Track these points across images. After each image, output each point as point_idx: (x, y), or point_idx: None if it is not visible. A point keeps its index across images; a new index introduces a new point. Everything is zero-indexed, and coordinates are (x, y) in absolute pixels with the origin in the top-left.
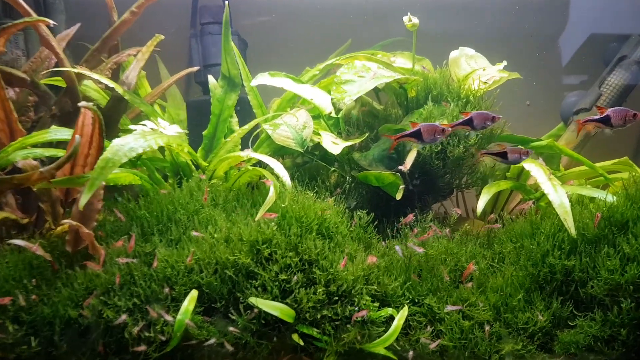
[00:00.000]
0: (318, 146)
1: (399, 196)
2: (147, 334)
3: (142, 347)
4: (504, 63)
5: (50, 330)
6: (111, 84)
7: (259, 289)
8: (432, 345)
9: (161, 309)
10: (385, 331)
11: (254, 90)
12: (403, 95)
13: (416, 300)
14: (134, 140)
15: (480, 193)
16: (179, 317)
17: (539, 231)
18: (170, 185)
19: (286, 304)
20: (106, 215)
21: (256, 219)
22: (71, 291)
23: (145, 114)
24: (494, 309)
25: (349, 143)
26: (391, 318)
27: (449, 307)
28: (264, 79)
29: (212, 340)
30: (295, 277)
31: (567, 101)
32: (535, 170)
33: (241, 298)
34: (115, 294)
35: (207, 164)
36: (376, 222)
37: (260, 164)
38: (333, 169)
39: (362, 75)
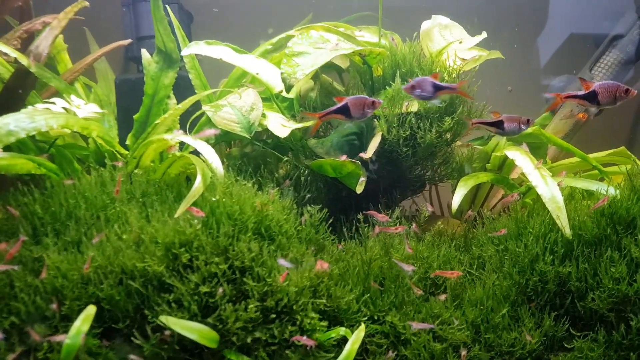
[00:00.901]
0: (271, 134)
1: (359, 189)
2: None
3: None
4: (484, 34)
5: None
6: (14, 53)
7: (173, 304)
8: None
9: (46, 330)
10: (335, 357)
11: (197, 67)
12: (368, 74)
13: (376, 317)
14: (16, 122)
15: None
16: (67, 340)
17: (527, 231)
18: (79, 175)
19: (207, 324)
20: None
21: (176, 215)
22: None
23: (60, 91)
24: (473, 327)
25: (299, 125)
26: (344, 340)
27: (416, 326)
28: (198, 48)
29: None
30: (222, 289)
31: (554, 87)
32: (521, 158)
33: (150, 316)
34: None
35: (125, 152)
36: (331, 220)
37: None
38: (286, 158)
39: (319, 47)
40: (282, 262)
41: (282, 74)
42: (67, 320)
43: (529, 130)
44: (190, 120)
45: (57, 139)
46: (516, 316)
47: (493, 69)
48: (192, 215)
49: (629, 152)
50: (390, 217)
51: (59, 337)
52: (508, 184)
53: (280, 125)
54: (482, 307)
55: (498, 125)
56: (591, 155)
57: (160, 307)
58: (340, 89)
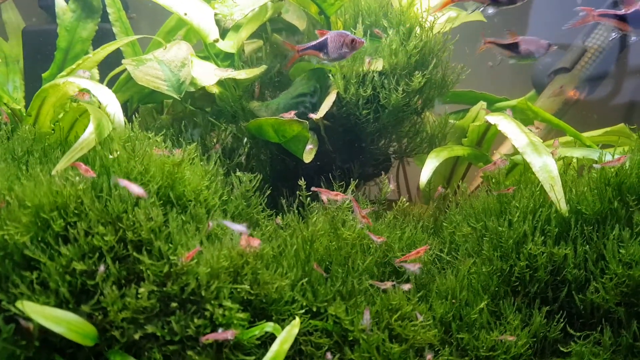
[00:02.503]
0: (207, 97)
1: (307, 158)
2: None
3: None
4: None
5: None
6: None
7: (37, 286)
8: None
9: None
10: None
11: (123, 20)
12: (324, 26)
13: (316, 310)
14: None
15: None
16: None
17: (511, 206)
18: None
19: (81, 314)
20: None
21: (54, 171)
22: None
23: None
24: (442, 324)
25: (231, 74)
26: (272, 338)
27: (367, 319)
28: None
29: None
30: (103, 267)
31: (541, 62)
32: (505, 123)
33: (4, 301)
34: None
35: (18, 106)
36: (269, 193)
37: None
38: (224, 126)
39: None
40: (235, 226)
41: (215, 15)
42: None
43: (514, 102)
44: (107, 78)
45: None
46: (497, 312)
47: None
48: (78, 173)
49: (629, 130)
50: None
51: None
52: (487, 162)
53: (207, 73)
54: (454, 300)
55: (513, 48)
56: (585, 134)
57: (19, 289)
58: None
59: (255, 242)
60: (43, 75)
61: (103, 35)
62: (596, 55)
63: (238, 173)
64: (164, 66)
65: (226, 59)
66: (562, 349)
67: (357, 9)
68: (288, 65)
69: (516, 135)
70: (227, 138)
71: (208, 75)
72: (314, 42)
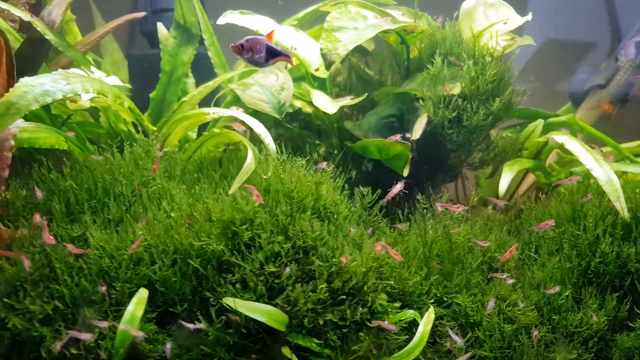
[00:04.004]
0: (297, 116)
1: (406, 172)
2: (74, 351)
3: None
4: (529, 16)
5: None
6: (27, 17)
7: (237, 285)
8: (462, 358)
9: (95, 315)
10: (406, 340)
11: (215, 44)
12: (403, 54)
13: (444, 300)
14: (52, 82)
15: (492, 174)
16: (121, 326)
17: (582, 214)
18: (106, 153)
19: (276, 305)
20: (17, 189)
21: (230, 191)
22: None
23: (75, 62)
24: (537, 309)
25: (346, 102)
26: (412, 323)
27: (491, 306)
28: (233, 17)
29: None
30: (288, 269)
31: (577, 78)
32: (571, 143)
33: (212, 299)
34: (27, 294)
35: (156, 129)
36: (379, 203)
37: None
38: (317, 142)
39: (356, 27)
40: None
41: (321, 49)
42: (117, 304)
43: (563, 118)
44: (214, 100)
45: (72, 113)
46: (578, 298)
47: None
48: (247, 192)
49: None
50: (440, 201)
51: (109, 323)
52: (545, 172)
53: (327, 102)
54: (543, 290)
55: None
56: (623, 145)
57: (223, 289)
58: (370, 73)
59: (392, 251)
60: (150, 95)
61: (197, 58)
62: (628, 73)
63: (360, 188)
64: (266, 90)
65: (316, 80)
66: (630, 324)
67: (433, 38)
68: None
69: (582, 154)
70: (326, 154)
71: (328, 103)
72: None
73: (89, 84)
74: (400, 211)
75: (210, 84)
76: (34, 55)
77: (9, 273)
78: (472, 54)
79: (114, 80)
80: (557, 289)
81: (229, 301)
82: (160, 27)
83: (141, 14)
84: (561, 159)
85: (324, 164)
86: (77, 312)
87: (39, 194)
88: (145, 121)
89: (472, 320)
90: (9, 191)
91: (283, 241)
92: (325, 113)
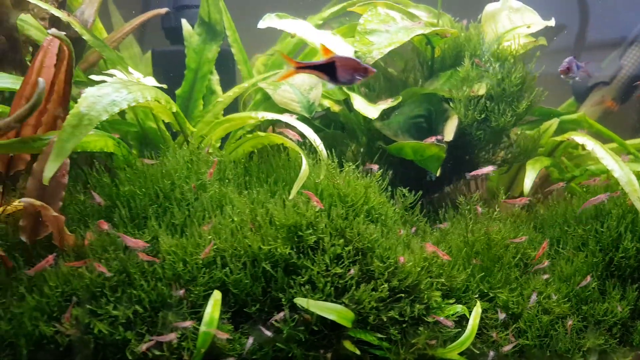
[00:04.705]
0: (325, 115)
1: (438, 172)
2: (156, 352)
3: None
4: (552, 21)
5: (12, 354)
6: (65, 16)
7: (306, 286)
8: (507, 348)
9: (174, 317)
10: (456, 333)
11: (238, 41)
12: (428, 55)
13: (487, 294)
14: (115, 91)
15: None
16: (203, 327)
17: (605, 212)
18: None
19: (341, 304)
20: (71, 192)
21: (290, 197)
22: (40, 298)
23: (109, 62)
24: (567, 300)
25: (386, 105)
26: (461, 317)
27: (534, 299)
28: (271, 21)
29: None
30: (352, 271)
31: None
32: (591, 143)
33: (283, 299)
34: (107, 300)
35: (194, 130)
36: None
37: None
38: (345, 141)
39: (388, 29)
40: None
41: (355, 52)
42: (192, 306)
43: (574, 116)
44: (242, 99)
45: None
46: (602, 289)
47: None
48: (305, 197)
49: None
50: (471, 200)
51: (188, 324)
52: (559, 168)
53: (366, 105)
54: (572, 283)
55: None
56: (628, 142)
57: (294, 290)
58: (393, 72)
59: (441, 253)
60: (177, 92)
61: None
62: (631, 71)
63: (400, 189)
64: (295, 89)
65: None
66: None
67: (457, 40)
68: (283, 77)
69: (603, 155)
70: (356, 154)
71: (368, 107)
72: (316, 62)
73: (147, 91)
74: (430, 208)
75: (246, 85)
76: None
77: (89, 279)
78: (498, 56)
79: (151, 81)
80: (589, 279)
81: (301, 301)
82: (185, 24)
83: (164, 10)
84: (569, 154)
85: (374, 167)
86: (156, 315)
87: (98, 199)
88: (186, 123)
89: (512, 312)
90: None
91: (343, 244)
92: (356, 114)
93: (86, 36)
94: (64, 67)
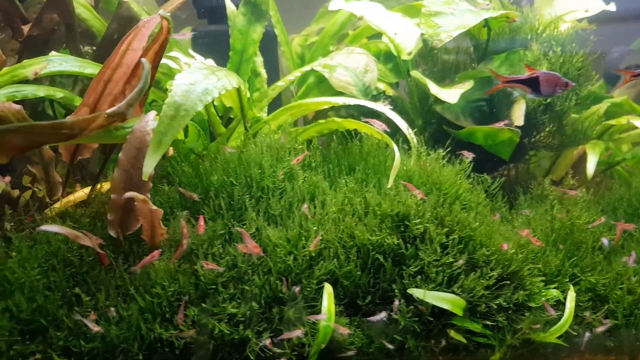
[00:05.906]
0: (375, 97)
1: (509, 157)
2: (277, 350)
3: None
4: (612, 5)
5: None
6: None
7: (417, 277)
8: (601, 328)
9: (294, 313)
10: (549, 317)
11: (281, 22)
12: (483, 37)
13: (575, 277)
14: (205, 78)
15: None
16: (323, 322)
17: None
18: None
19: (452, 293)
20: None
21: (388, 186)
22: (150, 299)
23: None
24: None
25: (462, 89)
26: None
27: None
28: (340, 3)
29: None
30: (461, 260)
31: (611, 57)
32: None
33: (395, 290)
34: (221, 297)
35: (259, 116)
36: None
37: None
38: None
39: (452, 12)
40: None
41: (422, 35)
42: (305, 300)
43: (619, 99)
44: (293, 82)
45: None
46: None
47: None
48: (402, 187)
49: None
50: (541, 184)
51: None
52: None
53: (442, 90)
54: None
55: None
56: None
57: (405, 280)
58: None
59: (526, 232)
60: None
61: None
62: None
63: (485, 175)
64: (350, 72)
65: (391, 60)
66: None
67: (512, 23)
68: (489, 92)
69: None
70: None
71: (446, 92)
72: (521, 77)
73: (233, 78)
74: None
75: (307, 68)
76: (121, 36)
77: (203, 276)
78: (559, 40)
79: (211, 63)
80: None
81: (417, 292)
82: (229, 3)
83: None
84: (609, 136)
85: (467, 154)
86: (270, 310)
87: (189, 194)
88: (253, 109)
89: (599, 294)
90: None
91: (446, 232)
92: (411, 96)
93: (143, 15)
94: (153, 50)
